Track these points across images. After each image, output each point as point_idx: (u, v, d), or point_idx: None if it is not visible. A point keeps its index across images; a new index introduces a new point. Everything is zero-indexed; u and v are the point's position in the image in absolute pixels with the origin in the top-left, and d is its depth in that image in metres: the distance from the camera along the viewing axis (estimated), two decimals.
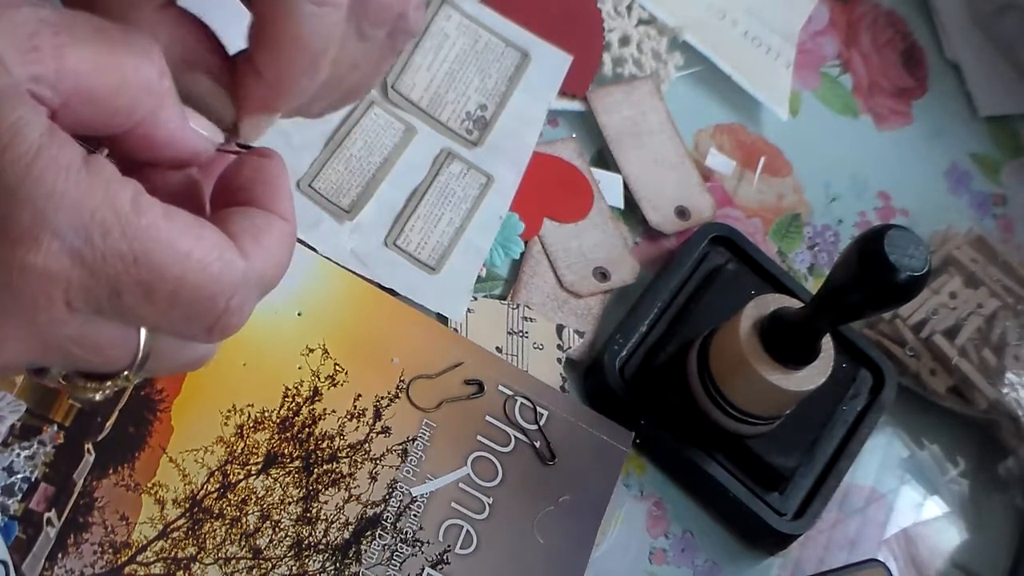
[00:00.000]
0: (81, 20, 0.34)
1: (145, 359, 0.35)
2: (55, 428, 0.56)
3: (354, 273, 0.65)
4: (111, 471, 0.56)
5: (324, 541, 0.58)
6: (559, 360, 0.67)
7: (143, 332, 0.34)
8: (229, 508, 0.57)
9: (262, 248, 0.35)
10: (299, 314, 0.63)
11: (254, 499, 0.58)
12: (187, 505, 0.57)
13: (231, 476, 0.58)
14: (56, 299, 0.31)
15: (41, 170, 0.30)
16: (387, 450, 0.61)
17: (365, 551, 0.58)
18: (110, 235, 0.31)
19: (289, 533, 0.58)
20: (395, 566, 0.58)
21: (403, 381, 0.63)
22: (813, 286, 0.74)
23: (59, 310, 0.32)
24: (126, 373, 0.35)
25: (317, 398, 0.61)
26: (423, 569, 0.59)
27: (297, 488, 0.59)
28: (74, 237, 0.31)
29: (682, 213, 0.74)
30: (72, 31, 0.33)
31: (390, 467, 0.61)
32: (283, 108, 0.41)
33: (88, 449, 0.56)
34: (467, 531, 0.60)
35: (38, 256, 0.31)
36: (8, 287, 0.31)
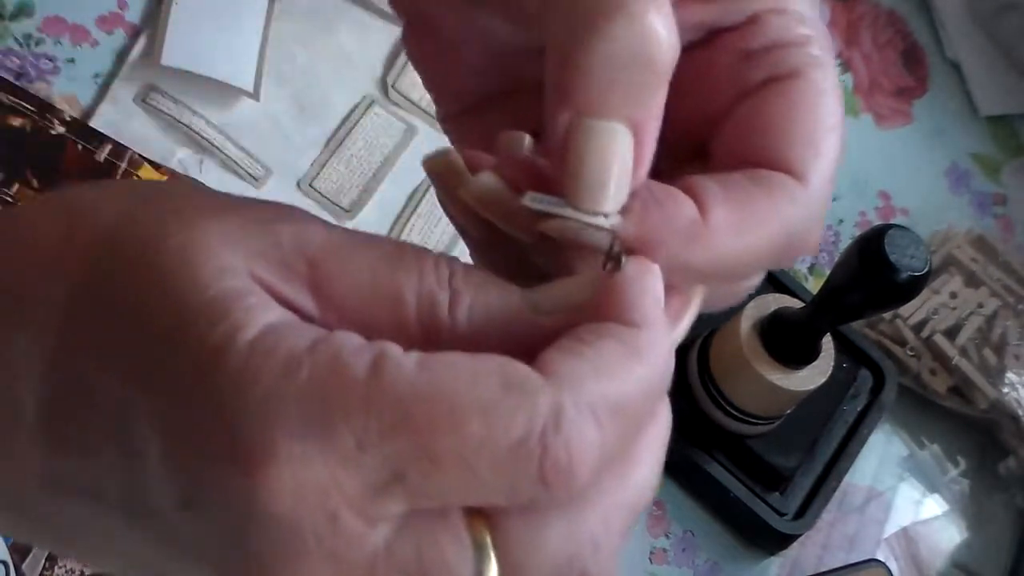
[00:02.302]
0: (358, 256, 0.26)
1: (485, 554, 0.25)
2: None
3: None
4: None
5: None
6: None
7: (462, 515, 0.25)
8: None
9: (584, 361, 0.25)
10: None
11: None
12: None
13: None
14: (342, 512, 0.23)
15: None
16: None
17: None
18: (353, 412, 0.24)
19: None
20: None
21: None
22: (813, 286, 0.74)
23: (351, 524, 0.24)
24: None
25: None
26: None
27: None
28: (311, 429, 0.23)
29: None
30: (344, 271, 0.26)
31: None
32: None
33: None
34: None
35: (284, 470, 0.23)
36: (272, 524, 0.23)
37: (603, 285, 0.27)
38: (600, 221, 0.28)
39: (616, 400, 0.25)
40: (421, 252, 0.27)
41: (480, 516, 0.25)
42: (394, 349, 0.24)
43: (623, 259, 0.27)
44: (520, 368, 0.25)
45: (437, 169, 0.31)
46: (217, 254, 0.25)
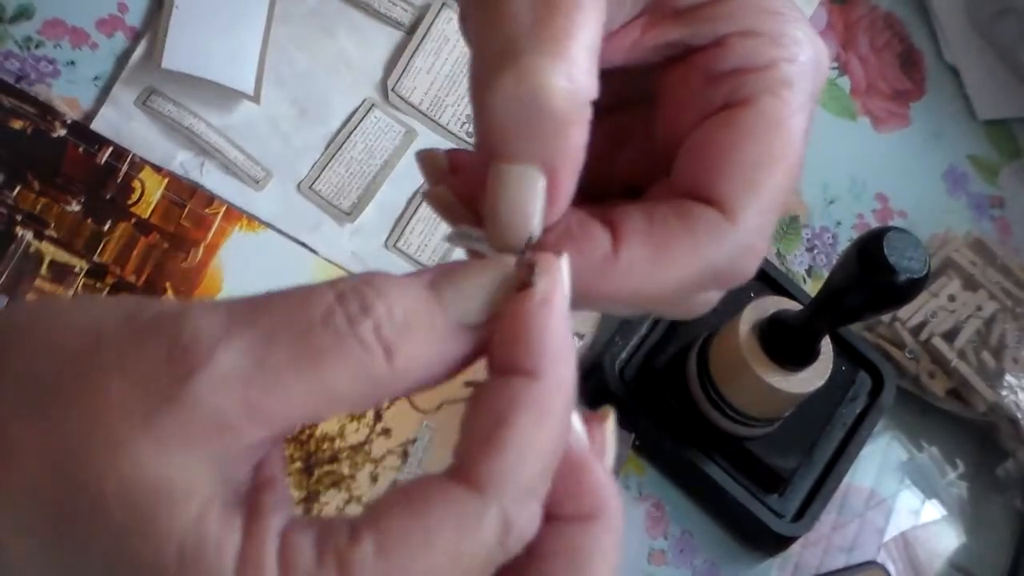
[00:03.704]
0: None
1: None
2: None
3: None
4: None
5: None
6: None
7: None
8: None
9: (505, 452, 0.28)
10: None
11: None
12: None
13: None
14: None
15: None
16: (387, 451, 0.61)
17: None
18: None
19: None
20: None
21: None
22: (812, 288, 0.74)
23: None
24: None
25: None
26: None
27: (298, 489, 0.59)
28: None
29: None
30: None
31: (391, 468, 0.61)
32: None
33: None
34: None
35: None
36: None
37: (512, 309, 0.29)
38: (507, 260, 0.30)
39: (538, 470, 0.28)
40: (343, 328, 0.28)
41: None
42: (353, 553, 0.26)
43: (535, 283, 0.29)
44: (455, 499, 0.27)
45: (422, 163, 0.33)
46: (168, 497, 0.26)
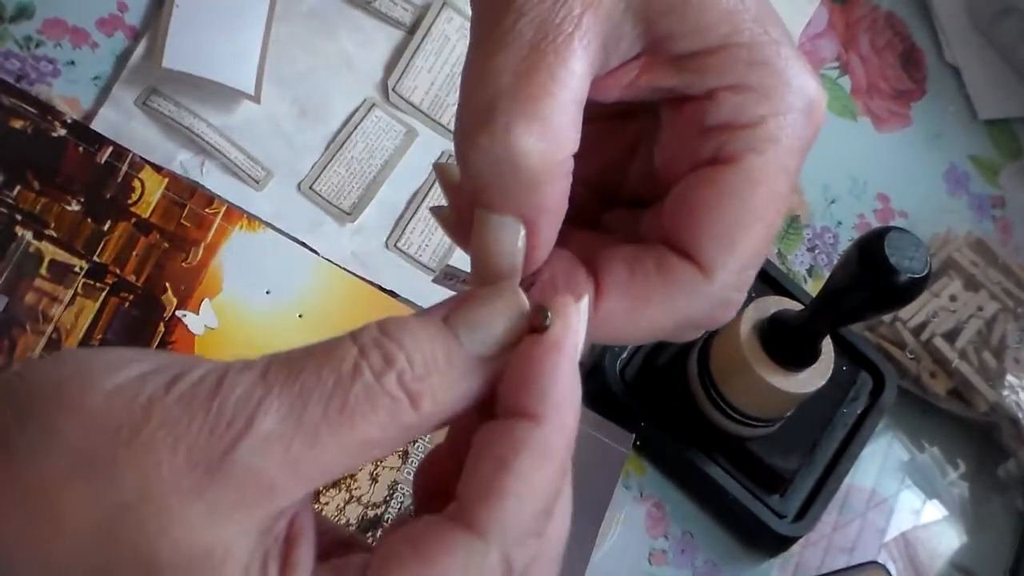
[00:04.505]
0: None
1: None
2: None
3: (355, 275, 0.65)
4: None
5: None
6: None
7: None
8: None
9: (505, 500, 0.29)
10: (300, 316, 0.63)
11: None
12: None
13: None
14: None
15: None
16: None
17: None
18: None
19: None
20: None
21: None
22: (812, 288, 0.74)
23: None
24: None
25: None
26: None
27: None
28: None
29: None
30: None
31: (391, 468, 0.61)
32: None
33: None
34: None
35: None
36: None
37: (523, 352, 0.30)
38: (518, 292, 0.31)
39: (538, 511, 0.29)
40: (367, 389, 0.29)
41: None
42: None
43: (549, 326, 0.30)
44: (460, 544, 0.28)
45: (438, 175, 0.35)
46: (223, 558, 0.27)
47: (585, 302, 0.31)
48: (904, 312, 0.72)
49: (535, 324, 0.30)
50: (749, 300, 0.61)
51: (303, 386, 0.28)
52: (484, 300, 0.31)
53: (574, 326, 0.30)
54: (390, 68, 0.71)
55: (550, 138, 0.30)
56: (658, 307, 0.33)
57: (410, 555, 0.28)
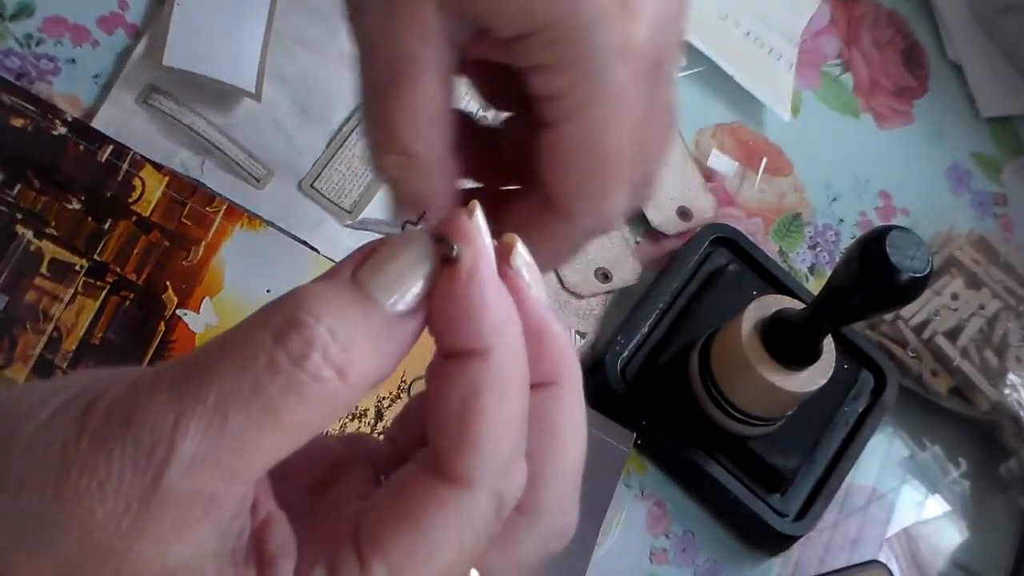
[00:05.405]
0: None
1: None
2: None
3: None
4: None
5: None
6: None
7: None
8: None
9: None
10: None
11: None
12: None
13: None
14: None
15: None
16: None
17: None
18: None
19: None
20: None
21: (404, 382, 0.63)
22: (814, 286, 0.74)
23: None
24: None
25: None
26: None
27: None
28: None
29: (684, 214, 0.74)
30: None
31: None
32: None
33: None
34: None
35: None
36: None
37: (443, 290, 0.29)
38: (416, 230, 0.30)
39: (513, 439, 0.30)
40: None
41: None
42: None
43: (457, 256, 0.29)
44: (447, 500, 0.28)
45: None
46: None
47: (478, 213, 0.30)
48: (906, 310, 0.72)
49: (445, 255, 0.29)
50: (750, 299, 0.61)
51: (219, 396, 0.27)
52: (388, 250, 0.30)
53: (481, 246, 0.29)
54: None
55: (408, 150, 0.39)
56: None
57: (400, 525, 0.28)
